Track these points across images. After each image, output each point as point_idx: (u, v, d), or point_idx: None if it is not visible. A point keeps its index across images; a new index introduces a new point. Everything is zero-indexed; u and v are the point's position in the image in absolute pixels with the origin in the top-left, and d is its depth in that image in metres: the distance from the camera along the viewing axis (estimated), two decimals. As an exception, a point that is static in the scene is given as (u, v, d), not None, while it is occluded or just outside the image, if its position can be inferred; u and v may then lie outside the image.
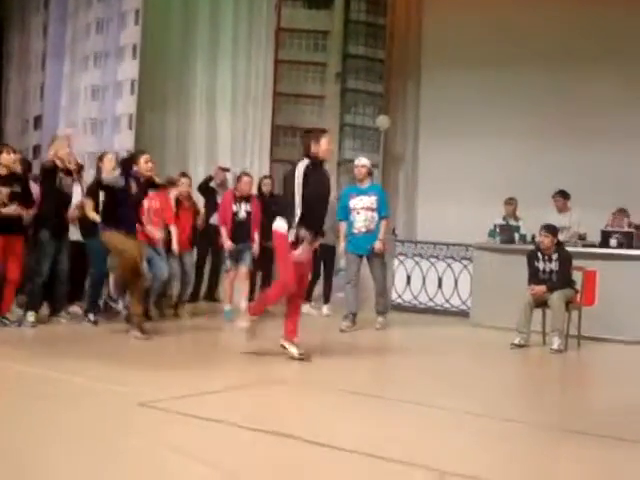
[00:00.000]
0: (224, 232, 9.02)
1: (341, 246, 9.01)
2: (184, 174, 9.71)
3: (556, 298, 7.98)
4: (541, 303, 8.14)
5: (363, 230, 8.67)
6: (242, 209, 9.12)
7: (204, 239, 10.02)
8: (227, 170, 11.15)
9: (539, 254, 8.28)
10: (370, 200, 8.69)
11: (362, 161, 8.96)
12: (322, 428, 4.42)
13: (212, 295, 10.97)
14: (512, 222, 10.28)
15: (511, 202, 10.43)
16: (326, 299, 10.28)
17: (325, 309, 10.15)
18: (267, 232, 10.52)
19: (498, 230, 9.89)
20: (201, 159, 11.68)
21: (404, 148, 12.20)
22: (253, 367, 6.38)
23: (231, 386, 5.51)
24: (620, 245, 9.10)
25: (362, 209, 8.68)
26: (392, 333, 8.98)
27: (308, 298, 10.12)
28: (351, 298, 8.79)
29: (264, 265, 10.09)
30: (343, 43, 11.94)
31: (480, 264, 9.84)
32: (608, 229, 9.37)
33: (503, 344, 7.97)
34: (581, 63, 10.47)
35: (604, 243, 9.23)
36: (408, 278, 10.79)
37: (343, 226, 8.92)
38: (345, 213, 8.87)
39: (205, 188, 10.49)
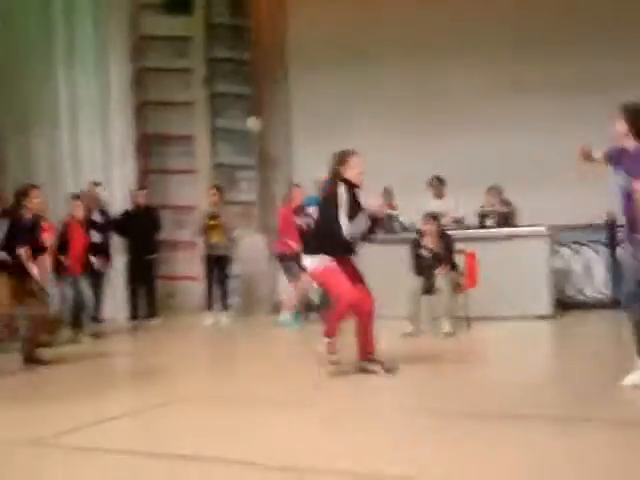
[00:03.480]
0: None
1: None
2: (77, 196, 9.37)
3: (443, 283, 8.17)
4: (428, 290, 8.31)
5: None
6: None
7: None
8: (99, 184, 10.81)
9: (422, 242, 8.44)
10: None
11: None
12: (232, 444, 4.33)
13: (96, 316, 10.60)
14: (391, 212, 10.38)
15: (387, 192, 10.51)
16: (224, 306, 10.35)
17: (224, 318, 10.23)
18: (150, 245, 10.45)
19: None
20: (69, 174, 11.24)
21: (278, 150, 12.18)
22: (148, 389, 6.18)
23: (129, 411, 5.30)
24: (497, 225, 9.40)
25: None
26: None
27: (210, 307, 10.22)
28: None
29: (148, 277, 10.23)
30: (207, 47, 11.78)
31: (364, 256, 9.90)
32: (484, 209, 9.65)
33: (396, 333, 8.06)
34: (444, 54, 10.81)
35: (481, 224, 9.52)
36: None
37: None
38: None
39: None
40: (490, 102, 10.79)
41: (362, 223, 5.94)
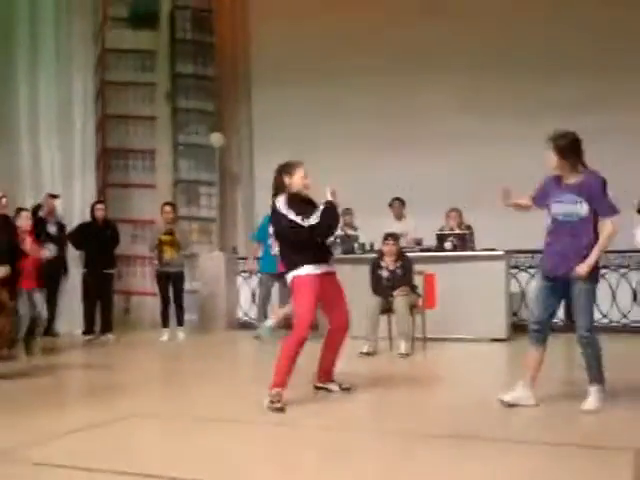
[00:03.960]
0: None
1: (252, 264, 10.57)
2: (21, 209, 9.19)
3: (401, 304, 8.20)
4: (386, 309, 8.34)
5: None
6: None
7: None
8: (56, 197, 10.71)
9: (382, 262, 8.48)
10: None
11: None
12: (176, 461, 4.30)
13: (50, 330, 10.44)
14: (350, 232, 10.45)
15: (348, 212, 10.56)
16: (179, 322, 10.28)
17: (180, 334, 10.18)
18: (108, 259, 10.34)
19: (338, 241, 10.04)
20: (28, 185, 11.09)
21: (240, 165, 12.20)
22: (99, 405, 6.09)
23: (78, 427, 5.22)
24: (455, 247, 9.48)
25: None
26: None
27: (165, 325, 10.14)
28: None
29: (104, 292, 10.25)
30: (171, 62, 11.80)
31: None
32: (443, 232, 9.74)
33: (352, 353, 8.06)
34: (411, 73, 10.96)
35: (440, 246, 9.59)
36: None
37: (258, 247, 10.09)
38: (264, 236, 9.69)
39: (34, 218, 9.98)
40: (456, 124, 10.93)
41: (322, 215, 5.62)
